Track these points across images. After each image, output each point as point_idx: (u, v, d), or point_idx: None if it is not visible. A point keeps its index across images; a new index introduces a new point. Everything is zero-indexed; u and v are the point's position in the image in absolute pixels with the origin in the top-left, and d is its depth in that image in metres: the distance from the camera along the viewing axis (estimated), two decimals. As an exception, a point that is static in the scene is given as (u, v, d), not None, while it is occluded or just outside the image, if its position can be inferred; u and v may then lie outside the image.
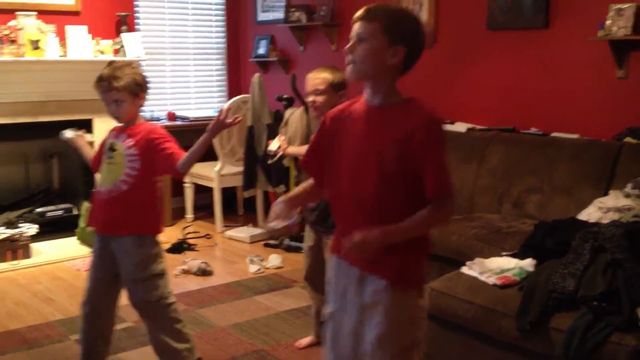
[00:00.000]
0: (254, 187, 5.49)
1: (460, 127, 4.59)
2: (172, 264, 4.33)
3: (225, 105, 2.79)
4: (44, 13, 5.31)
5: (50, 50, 5.17)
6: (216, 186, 5.69)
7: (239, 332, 3.60)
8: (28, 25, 5.08)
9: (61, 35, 5.31)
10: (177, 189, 5.98)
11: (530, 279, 2.75)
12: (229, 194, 6.08)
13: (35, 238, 4.99)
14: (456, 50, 4.86)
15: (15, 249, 4.75)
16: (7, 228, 4.87)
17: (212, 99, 6.79)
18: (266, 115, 5.32)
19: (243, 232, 5.51)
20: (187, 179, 5.78)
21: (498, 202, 4.09)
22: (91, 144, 3.21)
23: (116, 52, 5.54)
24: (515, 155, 4.13)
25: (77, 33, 5.35)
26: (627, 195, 3.40)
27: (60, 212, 5.48)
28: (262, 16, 6.55)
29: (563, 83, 4.32)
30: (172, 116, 6.24)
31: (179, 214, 6.02)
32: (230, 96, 6.49)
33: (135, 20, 6.07)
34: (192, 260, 4.68)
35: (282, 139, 3.73)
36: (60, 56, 5.27)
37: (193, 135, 6.01)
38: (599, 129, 4.08)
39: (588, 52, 4.15)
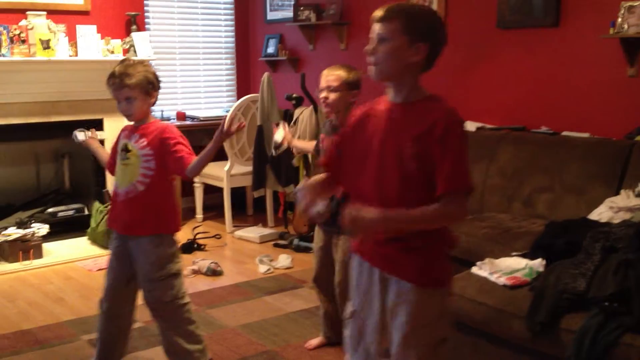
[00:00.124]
0: (264, 187, 5.50)
1: (470, 126, 4.57)
2: (182, 264, 4.32)
3: (229, 114, 2.78)
4: (53, 13, 5.33)
5: (61, 50, 5.19)
6: (226, 186, 5.70)
7: (249, 333, 3.60)
8: (38, 25, 5.10)
9: (71, 35, 5.33)
10: (187, 189, 6.00)
11: (540, 280, 2.74)
12: (238, 194, 6.08)
13: (47, 238, 5.01)
14: (466, 49, 4.84)
15: (26, 249, 4.77)
16: (19, 228, 4.89)
17: (221, 99, 6.80)
18: (275, 114, 5.32)
19: (253, 232, 5.51)
20: (196, 179, 5.78)
21: (508, 201, 4.07)
22: (102, 142, 3.21)
23: (126, 51, 5.56)
24: (525, 155, 4.11)
25: (87, 33, 5.37)
26: (638, 195, 3.38)
27: (71, 212, 5.50)
28: (271, 15, 6.55)
29: (573, 82, 4.29)
30: (181, 116, 6.25)
31: (188, 214, 6.03)
32: (239, 95, 6.49)
33: (145, 20, 6.09)
34: (201, 261, 4.68)
35: (287, 130, 3.72)
36: (71, 56, 5.29)
37: (203, 134, 6.06)
38: (609, 128, 4.06)
39: (599, 50, 4.13)
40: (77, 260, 4.88)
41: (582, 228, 3.02)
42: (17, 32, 5.02)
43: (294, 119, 5.51)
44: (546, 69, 4.42)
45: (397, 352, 1.98)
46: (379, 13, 1.93)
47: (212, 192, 6.07)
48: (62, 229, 5.32)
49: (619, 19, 3.88)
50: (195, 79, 6.63)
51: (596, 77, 4.17)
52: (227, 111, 5.95)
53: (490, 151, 4.25)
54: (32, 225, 4.97)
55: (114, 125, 5.09)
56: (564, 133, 4.22)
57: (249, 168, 5.58)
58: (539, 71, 4.46)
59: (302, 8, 5.97)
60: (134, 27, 5.76)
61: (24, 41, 5.04)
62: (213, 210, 6.19)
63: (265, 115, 5.34)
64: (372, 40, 1.94)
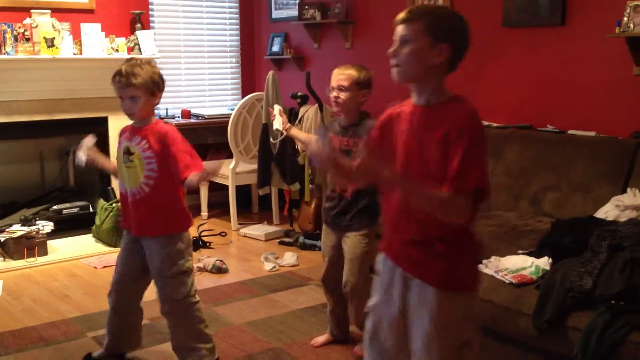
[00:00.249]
0: (269, 184, 5.49)
1: (476, 124, 4.57)
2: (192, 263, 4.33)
3: (210, 166, 2.79)
4: (58, 11, 5.34)
5: (65, 48, 5.19)
6: (231, 184, 5.70)
7: (255, 330, 3.60)
8: (43, 23, 5.10)
9: (75, 33, 5.34)
10: (192, 187, 5.99)
11: (547, 278, 2.74)
12: (243, 191, 6.08)
13: (52, 235, 5.03)
14: (471, 48, 4.79)
15: (31, 246, 4.78)
16: (24, 225, 4.91)
17: (226, 97, 6.80)
18: (280, 112, 5.31)
19: (258, 230, 5.51)
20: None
21: (514, 200, 4.07)
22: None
23: (130, 50, 5.56)
24: (531, 153, 4.10)
25: (92, 31, 5.37)
26: (645, 193, 3.38)
27: (76, 210, 5.50)
28: (276, 14, 6.55)
29: (579, 80, 4.28)
30: (186, 114, 6.25)
31: (194, 212, 6.01)
32: (244, 94, 6.49)
33: (150, 18, 6.09)
34: (207, 258, 4.69)
35: (284, 117, 3.72)
36: (75, 54, 5.30)
37: (208, 132, 6.06)
38: (616, 127, 4.05)
39: (605, 49, 4.12)
40: (81, 258, 4.88)
41: (588, 226, 3.02)
42: (22, 30, 5.02)
43: (299, 117, 5.51)
44: (552, 67, 4.41)
45: (419, 353, 1.98)
46: (401, 15, 1.92)
47: (217, 189, 6.07)
48: (66, 227, 5.33)
49: (625, 18, 3.87)
50: (200, 77, 6.62)
51: (602, 76, 4.17)
52: (232, 109, 5.95)
53: (497, 150, 4.24)
54: (37, 222, 4.98)
55: (118, 124, 5.08)
56: (570, 132, 4.21)
57: (254, 166, 5.58)
58: (545, 70, 4.46)
59: (307, 7, 5.97)
60: (139, 25, 5.76)
61: (28, 39, 5.05)
62: (218, 207, 6.19)
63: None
64: (394, 42, 1.93)
